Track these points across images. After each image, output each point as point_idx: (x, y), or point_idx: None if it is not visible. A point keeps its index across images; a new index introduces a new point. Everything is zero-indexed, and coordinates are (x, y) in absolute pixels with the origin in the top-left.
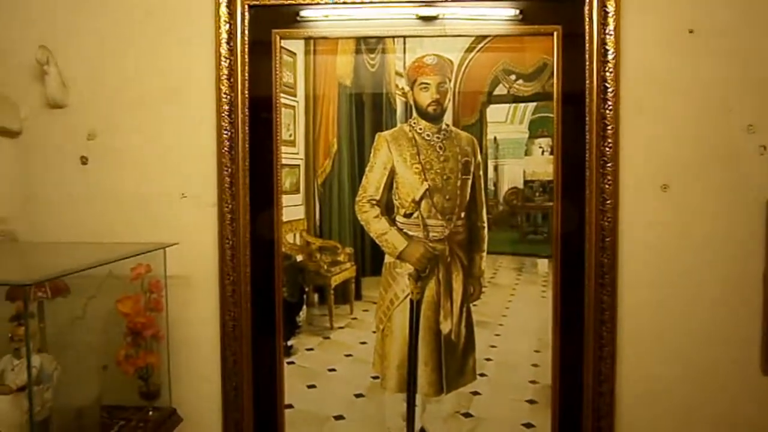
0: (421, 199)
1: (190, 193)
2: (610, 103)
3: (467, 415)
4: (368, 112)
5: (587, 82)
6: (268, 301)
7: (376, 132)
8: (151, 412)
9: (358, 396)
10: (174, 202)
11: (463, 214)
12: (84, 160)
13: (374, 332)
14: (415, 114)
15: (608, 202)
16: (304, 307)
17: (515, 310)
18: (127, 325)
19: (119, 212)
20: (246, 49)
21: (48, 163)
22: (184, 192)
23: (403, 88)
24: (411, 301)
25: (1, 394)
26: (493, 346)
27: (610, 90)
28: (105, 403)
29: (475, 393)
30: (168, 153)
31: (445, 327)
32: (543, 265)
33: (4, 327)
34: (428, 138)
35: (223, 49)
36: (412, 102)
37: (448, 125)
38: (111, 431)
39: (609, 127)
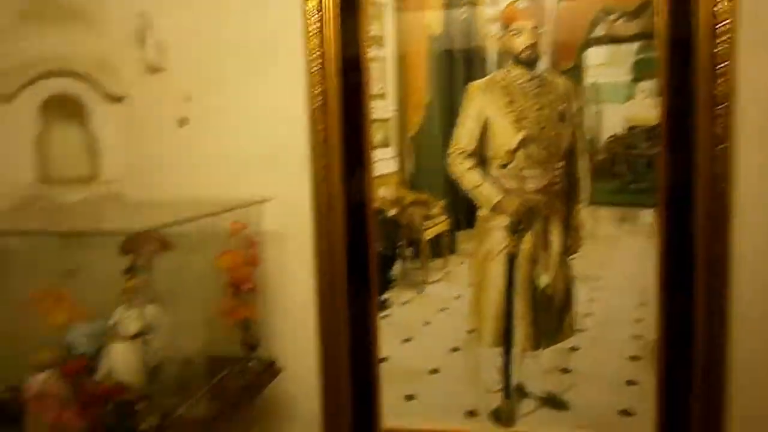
0: (517, 149)
1: (283, 150)
2: (723, 38)
3: (566, 371)
4: (459, 62)
5: (696, 16)
6: (363, 255)
7: (467, 82)
8: (251, 363)
9: (453, 350)
10: (268, 159)
11: (560, 164)
12: (182, 122)
13: (469, 286)
14: (508, 61)
15: (720, 147)
16: (398, 261)
17: (616, 262)
18: (227, 279)
19: (216, 171)
20: (335, 4)
21: (149, 125)
22: (278, 150)
23: (495, 35)
24: (507, 254)
25: (118, 341)
26: (593, 301)
27: (722, 24)
28: (209, 353)
29: (575, 348)
30: (261, 112)
31: (542, 281)
32: (646, 215)
33: (118, 280)
34: (523, 85)
35: (312, 5)
36: (505, 49)
37: (543, 71)
38: (215, 379)
39: (721, 65)
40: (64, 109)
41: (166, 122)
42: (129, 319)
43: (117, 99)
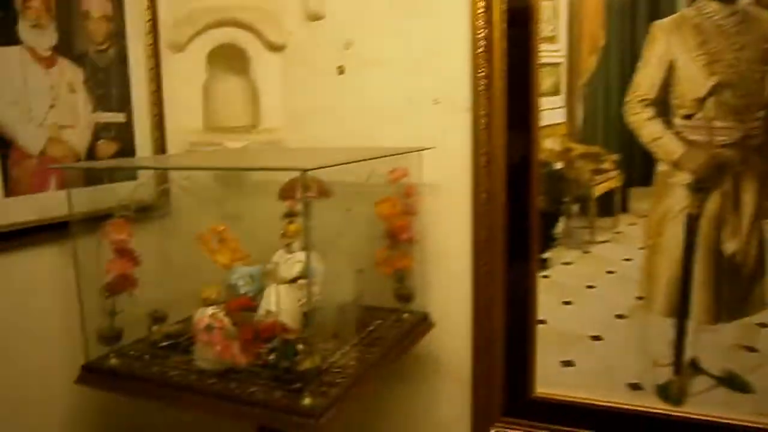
0: (706, 96)
1: (443, 98)
2: None
3: (751, 349)
4: None
5: None
6: (524, 211)
7: (651, 21)
8: (404, 315)
9: (618, 317)
10: (427, 108)
11: (761, 113)
12: (341, 69)
13: (642, 248)
14: None
15: None
16: (563, 218)
17: None
18: (385, 227)
19: (374, 120)
20: None
21: (309, 73)
22: (437, 97)
23: None
24: (688, 215)
25: (277, 284)
26: None
27: None
28: (363, 303)
29: (764, 325)
30: (421, 57)
31: (730, 247)
32: None
33: (278, 225)
34: (719, 22)
35: None
36: None
37: (745, 5)
38: (368, 328)
39: None
40: (229, 58)
41: (325, 70)
42: (288, 264)
43: (278, 48)
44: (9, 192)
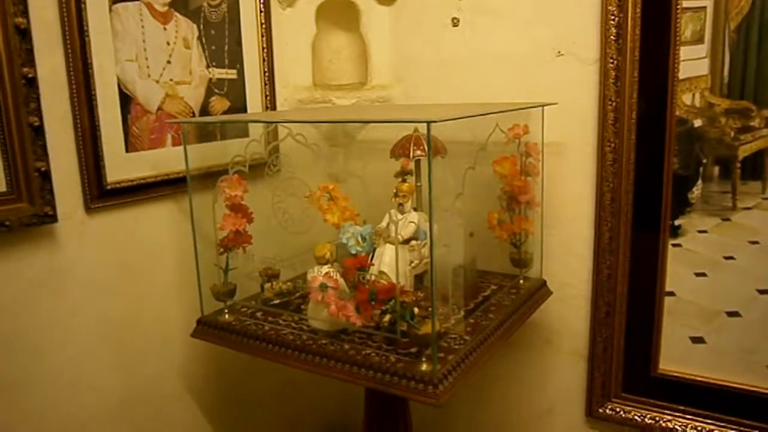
0: None
1: (567, 49)
2: None
3: None
4: None
5: None
6: (655, 173)
7: None
8: (522, 281)
9: (762, 292)
10: (549, 60)
11: None
12: (455, 22)
13: None
14: None
15: None
16: (699, 182)
17: None
18: (503, 188)
19: (492, 74)
20: None
21: (420, 27)
22: (561, 49)
23: None
24: None
25: (389, 244)
26: None
27: None
28: (477, 267)
29: None
30: (542, 5)
31: None
32: None
33: (388, 183)
34: None
35: None
36: None
37: None
38: (484, 293)
39: None
40: (338, 13)
41: (439, 22)
42: (400, 224)
43: (388, 1)
44: (129, 147)
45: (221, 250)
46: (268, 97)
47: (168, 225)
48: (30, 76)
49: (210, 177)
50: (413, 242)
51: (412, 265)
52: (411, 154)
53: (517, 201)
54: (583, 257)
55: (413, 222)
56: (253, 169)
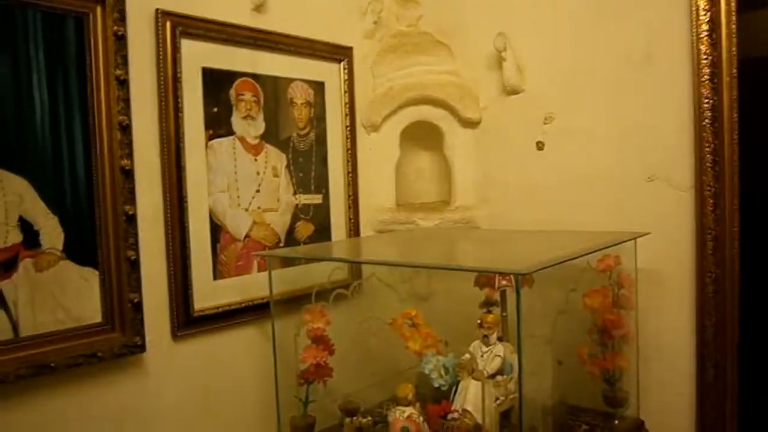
0: None
1: (658, 175)
2: None
3: None
4: None
5: None
6: (764, 305)
7: None
8: (617, 421)
9: None
10: (639, 185)
11: None
12: (540, 146)
13: None
14: None
15: None
16: None
17: None
18: (595, 321)
19: (578, 198)
20: None
21: (505, 149)
22: (651, 174)
23: None
24: None
25: (474, 379)
26: None
27: None
28: (566, 402)
29: None
30: (631, 131)
31: None
32: None
33: (472, 312)
34: None
35: (702, 3)
36: None
37: None
38: None
39: None
40: (421, 136)
41: (523, 146)
42: (485, 357)
43: (473, 123)
44: (217, 275)
45: (301, 381)
46: (352, 220)
47: (250, 350)
48: (130, 213)
49: (294, 302)
50: (499, 377)
51: (498, 402)
52: (496, 285)
53: (609, 335)
54: (686, 395)
55: (499, 355)
56: (333, 290)
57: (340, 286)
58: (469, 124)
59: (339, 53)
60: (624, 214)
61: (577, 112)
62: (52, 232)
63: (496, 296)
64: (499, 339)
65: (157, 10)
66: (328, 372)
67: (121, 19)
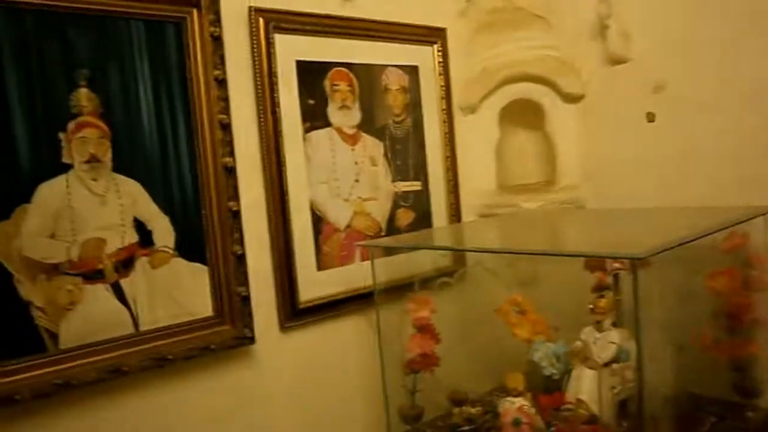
0: None
1: None
2: None
3: None
4: None
5: None
6: None
7: None
8: (750, 413)
9: None
10: (763, 155)
11: None
12: (651, 117)
13: None
14: None
15: None
16: None
17: None
18: (720, 305)
19: (694, 172)
20: None
21: (611, 123)
22: None
23: None
24: None
25: (588, 368)
26: None
27: None
28: (690, 391)
29: None
30: (751, 98)
31: None
32: None
33: (581, 296)
34: None
35: None
36: None
37: None
38: (702, 427)
39: None
40: (521, 114)
41: (631, 118)
42: (599, 344)
43: (575, 98)
44: (320, 266)
45: (408, 371)
46: (453, 205)
47: (355, 340)
48: (235, 209)
49: (397, 290)
50: (614, 365)
51: (615, 390)
52: (609, 268)
53: (739, 320)
54: None
55: (614, 342)
56: (438, 277)
57: (444, 273)
58: (572, 98)
59: (432, 35)
60: (747, 187)
61: (690, 79)
62: (164, 231)
63: (609, 279)
64: (613, 324)
65: (250, 8)
66: (435, 361)
67: (216, 21)
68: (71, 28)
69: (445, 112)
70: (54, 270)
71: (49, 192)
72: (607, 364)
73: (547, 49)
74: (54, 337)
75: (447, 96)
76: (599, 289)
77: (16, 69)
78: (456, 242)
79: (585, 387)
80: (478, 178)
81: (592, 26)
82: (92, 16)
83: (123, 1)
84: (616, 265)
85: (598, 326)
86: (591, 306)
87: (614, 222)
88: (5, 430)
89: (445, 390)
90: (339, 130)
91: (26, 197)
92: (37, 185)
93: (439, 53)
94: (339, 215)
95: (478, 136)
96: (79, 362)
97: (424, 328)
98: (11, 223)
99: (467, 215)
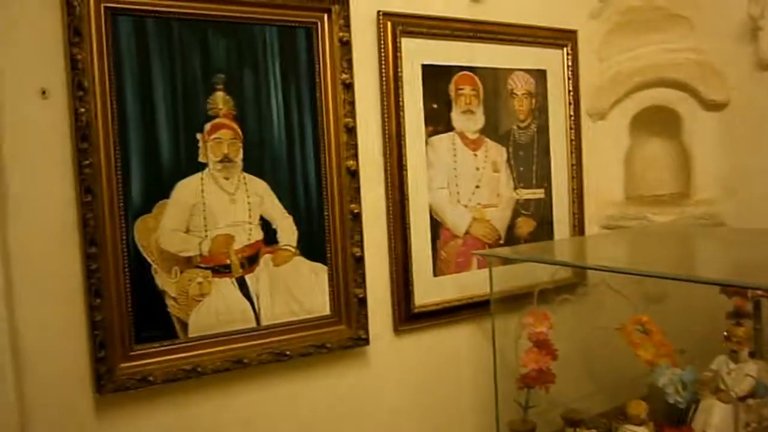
0: None
1: None
2: None
3: None
4: None
5: None
6: None
7: None
8: None
9: None
10: None
11: None
12: None
13: None
14: None
15: None
16: None
17: None
18: None
19: None
20: None
21: (760, 134)
22: None
23: None
24: None
25: (720, 401)
26: None
27: None
28: None
29: None
30: None
31: None
32: None
33: (720, 323)
34: None
35: None
36: None
37: None
38: None
39: None
40: (655, 122)
41: None
42: (734, 375)
43: (718, 106)
44: (436, 272)
45: (522, 385)
46: (576, 215)
47: (468, 348)
48: (355, 211)
49: (514, 300)
50: (750, 400)
51: (750, 428)
52: (749, 293)
53: None
54: None
55: (751, 375)
56: (557, 289)
57: (564, 285)
58: (714, 106)
59: (562, 38)
60: None
61: None
62: (287, 230)
63: (749, 306)
64: (751, 355)
65: (378, 12)
66: (551, 378)
67: (346, 25)
68: (211, 34)
69: (572, 118)
70: (187, 263)
71: (186, 189)
72: (742, 399)
73: (689, 52)
74: (184, 326)
75: (575, 101)
76: (737, 316)
77: (163, 75)
78: (578, 257)
79: (715, 421)
80: (604, 187)
81: (741, 27)
82: (229, 23)
83: (259, 8)
84: (760, 291)
85: (734, 356)
86: (726, 333)
87: (758, 244)
88: (140, 408)
89: (559, 408)
90: (462, 135)
91: (166, 193)
92: (176, 182)
93: (569, 56)
94: (458, 221)
95: (607, 144)
96: (206, 351)
97: (541, 344)
98: (152, 217)
99: (591, 227)
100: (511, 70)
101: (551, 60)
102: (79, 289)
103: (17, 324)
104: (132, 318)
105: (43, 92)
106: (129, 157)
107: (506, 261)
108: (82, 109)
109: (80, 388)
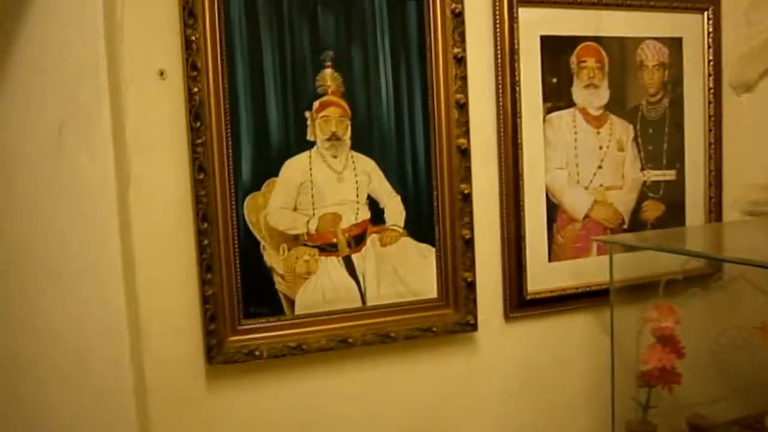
0: None
1: None
2: None
3: None
4: None
5: None
6: None
7: None
8: None
9: None
10: None
11: None
12: None
13: None
14: None
15: None
16: None
17: None
18: None
19: None
20: None
21: None
22: None
23: None
24: None
25: None
26: None
27: None
28: None
29: None
30: None
31: None
32: None
33: None
34: None
35: None
36: None
37: None
38: None
39: None
40: None
41: None
42: None
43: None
44: (552, 257)
45: (642, 383)
46: (713, 200)
47: (583, 339)
48: (466, 191)
49: (636, 290)
50: None
51: None
52: None
53: None
54: None
55: None
56: (687, 280)
57: (694, 276)
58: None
59: (702, 1)
60: None
61: None
62: (395, 210)
63: None
64: None
65: None
66: (675, 378)
67: None
68: (320, 10)
69: (711, 91)
70: (294, 240)
71: (294, 167)
72: None
73: None
74: (291, 303)
75: (716, 72)
76: None
77: (273, 54)
78: (713, 246)
79: None
80: (748, 169)
81: None
82: None
83: None
84: None
85: None
86: None
87: None
88: (245, 381)
89: (684, 411)
90: (583, 111)
91: (275, 171)
92: (284, 160)
93: (710, 21)
94: (577, 204)
95: (754, 120)
96: (311, 329)
97: (666, 340)
98: (261, 195)
99: (730, 213)
100: (641, 39)
101: (689, 26)
102: (193, 264)
103: (137, 290)
104: (240, 293)
105: (161, 73)
106: (239, 135)
107: (629, 248)
108: (195, 89)
109: (194, 358)
